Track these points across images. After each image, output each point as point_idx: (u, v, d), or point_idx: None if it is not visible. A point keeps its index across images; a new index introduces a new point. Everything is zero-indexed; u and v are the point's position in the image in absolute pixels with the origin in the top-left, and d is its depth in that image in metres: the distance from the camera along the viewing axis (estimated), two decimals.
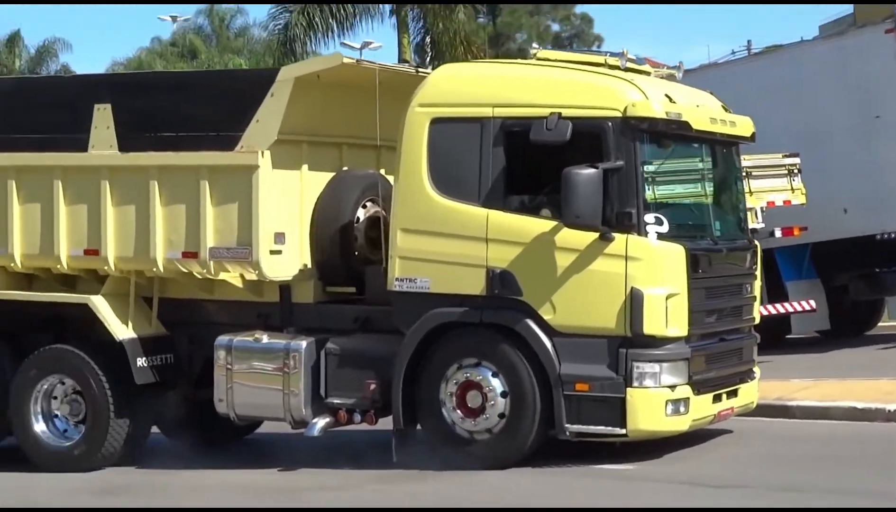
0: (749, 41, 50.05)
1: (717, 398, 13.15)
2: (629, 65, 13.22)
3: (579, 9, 77.54)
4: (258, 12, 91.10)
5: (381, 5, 42.41)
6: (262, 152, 13.45)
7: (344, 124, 14.59)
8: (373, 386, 13.05)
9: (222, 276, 14.00)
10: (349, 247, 14.17)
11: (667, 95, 12.90)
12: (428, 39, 42.11)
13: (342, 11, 41.04)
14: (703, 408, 12.86)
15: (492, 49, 50.61)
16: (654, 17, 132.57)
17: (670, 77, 14.02)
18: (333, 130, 14.53)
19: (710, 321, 13.08)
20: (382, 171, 14.87)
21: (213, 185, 13.70)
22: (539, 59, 13.67)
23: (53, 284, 15.14)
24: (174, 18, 74.45)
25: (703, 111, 13.35)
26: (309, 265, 14.17)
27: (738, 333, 13.90)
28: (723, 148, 14.07)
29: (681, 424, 12.59)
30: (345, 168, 14.80)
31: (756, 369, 14.25)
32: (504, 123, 12.68)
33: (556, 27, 78.49)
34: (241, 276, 13.99)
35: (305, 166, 14.26)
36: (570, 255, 12.37)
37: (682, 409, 12.45)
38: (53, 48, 68.50)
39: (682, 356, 12.48)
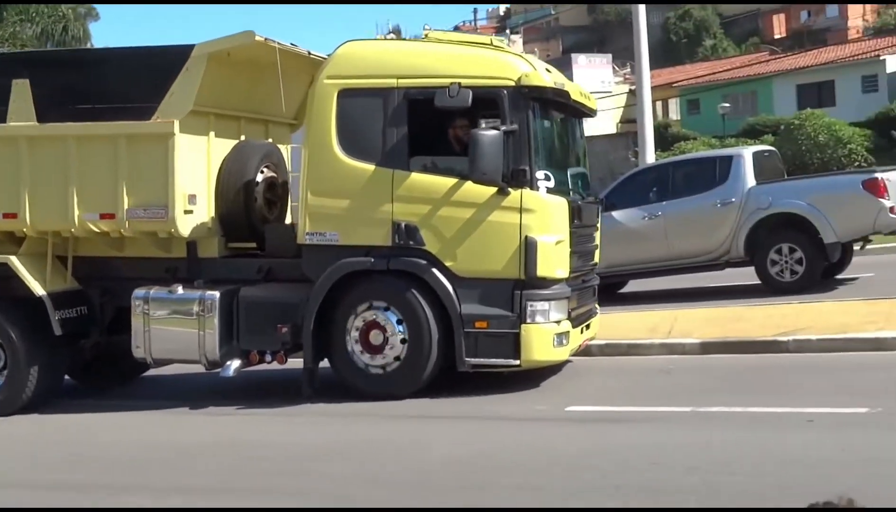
0: None
1: (580, 331, 12.63)
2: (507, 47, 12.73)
3: None
4: None
5: None
6: (177, 122, 12.19)
7: (242, 100, 13.49)
8: (284, 329, 11.98)
9: (133, 233, 12.59)
10: (251, 206, 13.12)
11: (547, 69, 12.24)
12: None
13: None
14: (576, 339, 12.32)
15: None
16: None
17: None
18: (234, 105, 13.33)
19: (578, 265, 12.49)
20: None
21: (131, 151, 12.37)
22: (431, 38, 12.58)
23: None
24: None
25: (574, 85, 12.81)
26: (213, 223, 12.94)
27: (589, 275, 13.38)
28: (581, 118, 13.54)
29: (564, 354, 12.05)
30: (242, 138, 13.64)
31: (597, 306, 13.75)
32: (408, 92, 11.77)
33: None
34: (154, 233, 12.62)
35: (212, 134, 12.97)
36: (468, 208, 11.61)
37: (564, 341, 11.87)
38: None
39: (565, 295, 11.89)
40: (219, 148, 13.12)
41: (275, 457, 9.84)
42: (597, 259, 13.75)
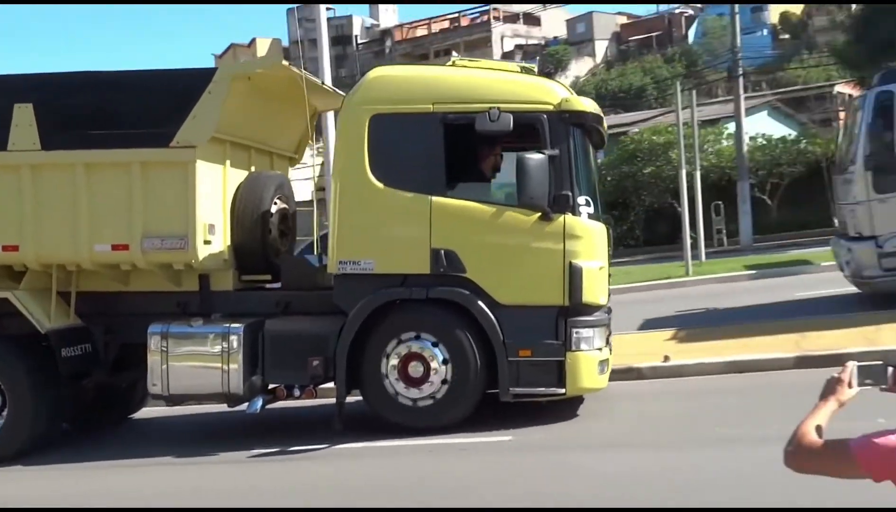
0: None
1: None
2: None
3: None
4: None
5: None
6: (199, 147, 10.77)
7: (253, 129, 11.99)
8: (316, 362, 10.42)
9: (148, 265, 11.09)
10: (266, 238, 11.61)
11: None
12: None
13: None
14: (609, 367, 11.04)
15: None
16: None
17: None
18: (246, 134, 11.83)
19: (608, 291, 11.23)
20: None
21: (146, 179, 10.80)
22: (458, 65, 11.48)
23: None
24: None
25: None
26: (229, 255, 11.42)
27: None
28: (597, 148, 12.32)
29: (604, 381, 10.71)
30: (252, 168, 12.14)
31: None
32: (444, 117, 10.44)
33: None
34: (169, 266, 11.12)
35: (228, 163, 11.47)
36: (510, 235, 10.37)
37: (605, 368, 10.62)
38: None
39: (605, 322, 10.65)
40: (232, 178, 11.57)
41: None
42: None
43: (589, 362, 10.38)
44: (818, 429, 3.80)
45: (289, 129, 12.78)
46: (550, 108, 10.44)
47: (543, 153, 10.18)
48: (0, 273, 11.56)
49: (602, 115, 11.13)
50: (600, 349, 10.54)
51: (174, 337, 10.91)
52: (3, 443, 11.08)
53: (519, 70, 11.21)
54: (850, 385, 3.89)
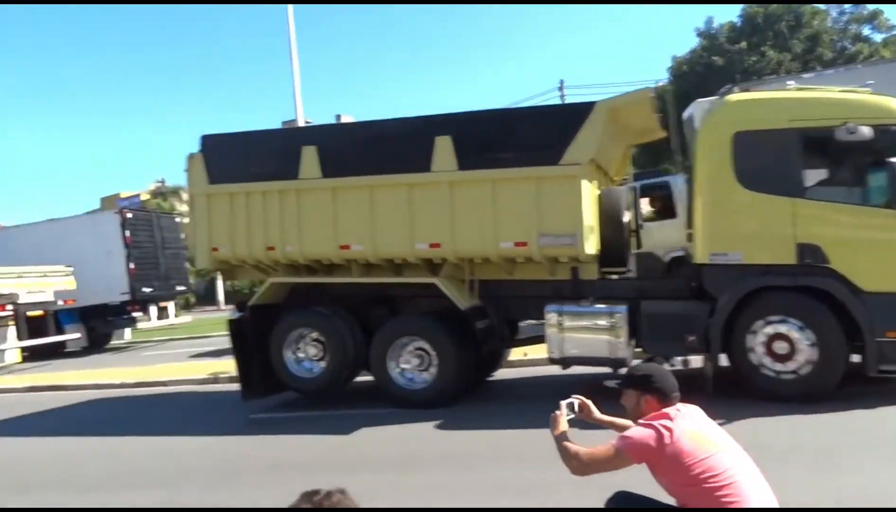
0: None
1: None
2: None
3: None
4: None
5: None
6: (584, 164, 12.02)
7: (603, 153, 13.17)
8: (692, 338, 11.47)
9: (541, 258, 12.60)
10: (622, 239, 12.77)
11: None
12: None
13: None
14: None
15: None
16: None
17: None
18: (600, 156, 13.05)
19: None
20: None
21: (540, 190, 12.21)
22: (795, 88, 12.29)
23: (383, 272, 13.75)
24: None
25: None
26: (596, 251, 12.63)
27: None
28: None
29: None
30: (602, 187, 13.26)
31: None
32: (802, 132, 11.11)
33: None
34: (553, 259, 12.71)
35: (596, 180, 12.65)
36: (874, 230, 10.97)
37: None
38: None
39: None
40: (594, 191, 12.66)
41: None
42: None
43: None
44: (577, 451, 5.00)
45: (615, 156, 13.90)
46: None
47: None
48: (422, 265, 13.25)
49: None
50: None
51: (569, 314, 12.13)
52: (438, 393, 13.35)
53: (854, 90, 11.60)
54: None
